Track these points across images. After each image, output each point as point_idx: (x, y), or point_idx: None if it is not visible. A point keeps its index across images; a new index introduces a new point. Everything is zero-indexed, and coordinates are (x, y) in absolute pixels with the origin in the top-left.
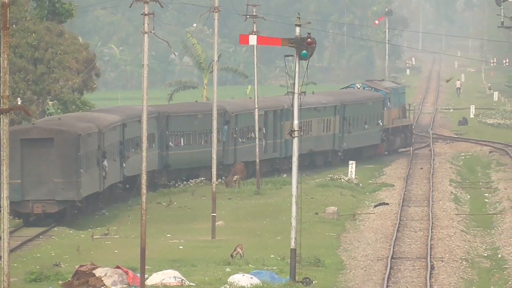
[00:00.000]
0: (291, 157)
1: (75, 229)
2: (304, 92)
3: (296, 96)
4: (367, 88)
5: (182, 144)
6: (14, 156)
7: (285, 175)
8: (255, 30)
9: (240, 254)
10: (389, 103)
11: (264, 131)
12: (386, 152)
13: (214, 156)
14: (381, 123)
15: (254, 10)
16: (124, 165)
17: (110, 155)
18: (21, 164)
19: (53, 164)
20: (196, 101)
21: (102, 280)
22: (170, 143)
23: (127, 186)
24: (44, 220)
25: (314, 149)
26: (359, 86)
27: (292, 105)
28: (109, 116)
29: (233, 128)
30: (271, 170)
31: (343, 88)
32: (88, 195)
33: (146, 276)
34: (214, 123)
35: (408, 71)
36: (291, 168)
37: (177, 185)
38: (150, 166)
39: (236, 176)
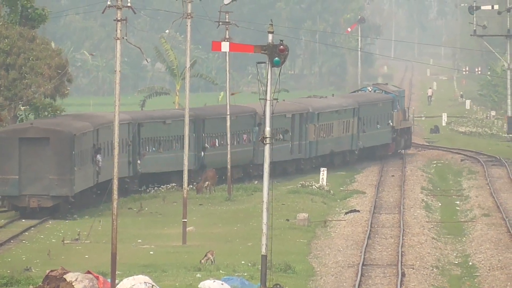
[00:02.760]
0: (314, 157)
1: (49, 232)
2: (277, 99)
3: (268, 103)
4: (377, 91)
5: (217, 145)
6: (12, 154)
7: (256, 182)
8: (227, 36)
9: (211, 260)
10: (398, 105)
11: (290, 133)
12: (390, 153)
13: (186, 162)
14: (391, 123)
15: (226, 16)
16: (139, 162)
17: (108, 152)
18: (18, 161)
19: (48, 162)
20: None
21: (73, 285)
22: (206, 144)
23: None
24: (39, 214)
25: (334, 150)
26: (370, 89)
27: (264, 112)
28: (108, 115)
29: (262, 130)
30: (295, 170)
31: (355, 91)
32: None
33: (116, 281)
34: (186, 129)
35: (380, 79)
36: (314, 168)
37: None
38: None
39: (207, 182)
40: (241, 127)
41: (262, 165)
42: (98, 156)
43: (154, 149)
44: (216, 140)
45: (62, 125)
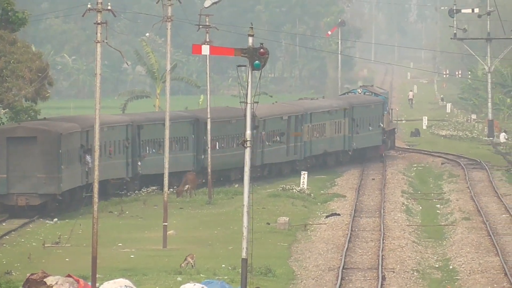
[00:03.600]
0: (309, 157)
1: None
2: (257, 102)
3: (248, 106)
4: (367, 93)
5: (217, 147)
6: (1, 153)
7: (236, 185)
8: (208, 40)
9: (191, 263)
10: (387, 107)
11: (286, 135)
12: (380, 154)
13: (166, 165)
14: (382, 125)
15: (207, 20)
16: (139, 163)
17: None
18: (7, 160)
19: (36, 161)
20: (227, 106)
21: None
22: (207, 147)
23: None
24: (27, 212)
25: (327, 150)
26: (360, 91)
27: (245, 116)
28: (102, 117)
29: (260, 132)
30: (291, 171)
31: (345, 93)
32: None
33: (97, 284)
34: (167, 132)
35: (360, 82)
36: (308, 168)
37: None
38: (184, 167)
39: (187, 186)
40: (240, 130)
41: (260, 167)
42: (87, 157)
43: (154, 150)
44: (217, 142)
45: (49, 125)
